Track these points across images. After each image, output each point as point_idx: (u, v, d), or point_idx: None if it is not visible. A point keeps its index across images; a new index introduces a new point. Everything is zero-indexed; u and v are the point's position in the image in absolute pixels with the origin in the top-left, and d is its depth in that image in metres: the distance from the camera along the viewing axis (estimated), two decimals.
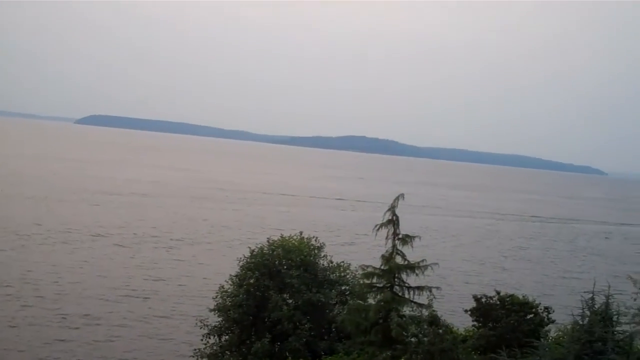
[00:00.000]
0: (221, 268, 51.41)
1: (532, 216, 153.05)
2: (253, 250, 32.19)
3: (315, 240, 33.32)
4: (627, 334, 17.70)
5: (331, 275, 32.19)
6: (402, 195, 25.83)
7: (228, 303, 30.67)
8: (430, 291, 25.89)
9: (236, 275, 31.90)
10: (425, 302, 25.90)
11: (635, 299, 44.44)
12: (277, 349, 29.71)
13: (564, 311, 21.84)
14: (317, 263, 32.39)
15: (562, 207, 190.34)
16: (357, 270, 30.34)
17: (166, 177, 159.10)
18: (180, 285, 54.44)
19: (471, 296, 30.59)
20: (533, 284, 66.79)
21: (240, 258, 32.54)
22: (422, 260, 25.98)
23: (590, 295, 16.94)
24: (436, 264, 26.35)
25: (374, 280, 26.59)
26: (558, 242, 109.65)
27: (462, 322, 35.59)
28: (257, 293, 30.51)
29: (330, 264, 32.93)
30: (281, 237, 33.08)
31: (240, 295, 30.37)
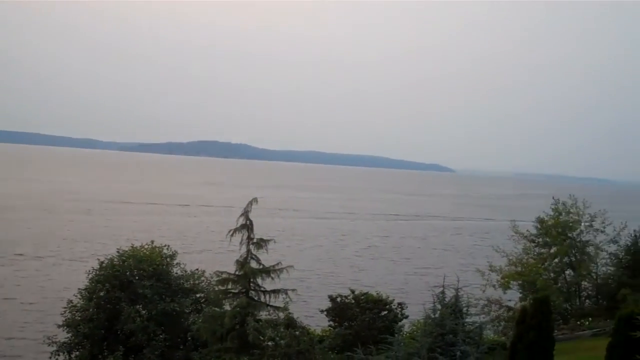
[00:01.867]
0: (70, 282, 49.31)
1: (386, 214, 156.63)
2: (102, 262, 31.09)
3: (168, 249, 32.61)
4: (477, 324, 18.22)
5: (185, 284, 31.60)
6: (255, 200, 25.71)
7: (77, 318, 29.49)
8: (287, 294, 25.89)
9: (85, 289, 30.67)
10: (282, 305, 25.88)
11: (483, 291, 46.37)
12: None
13: (418, 306, 22.27)
14: (170, 272, 31.71)
15: (414, 205, 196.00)
16: (211, 277, 29.97)
17: (9, 188, 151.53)
18: (24, 302, 51.68)
19: (327, 297, 30.87)
20: (388, 282, 68.20)
21: (90, 271, 31.37)
22: (278, 264, 25.99)
23: (441, 289, 17.30)
24: (291, 266, 26.39)
25: (229, 286, 26.35)
26: (411, 239, 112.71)
27: (319, 322, 35.85)
28: (108, 306, 29.51)
29: (184, 272, 32.34)
30: (132, 247, 32.16)
31: (91, 309, 29.27)
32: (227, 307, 26.84)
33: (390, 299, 32.33)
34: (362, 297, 30.39)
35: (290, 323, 25.46)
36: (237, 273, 25.74)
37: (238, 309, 25.23)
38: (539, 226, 48.58)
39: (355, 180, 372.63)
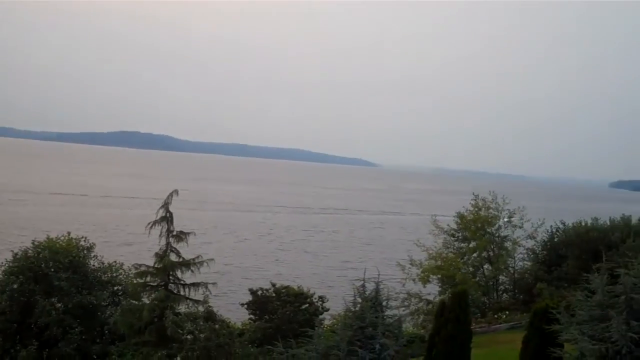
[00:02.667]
0: None
1: (310, 208, 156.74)
2: (16, 254, 30.14)
3: (85, 241, 31.84)
4: (396, 317, 18.26)
5: (103, 276, 30.91)
6: (176, 192, 25.36)
7: None
8: (207, 287, 25.67)
9: None
10: (201, 298, 25.62)
11: (404, 284, 46.75)
12: (45, 355, 28.13)
13: (339, 300, 22.29)
14: (88, 264, 30.97)
15: (337, 199, 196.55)
16: (130, 270, 29.43)
17: None
18: None
19: (248, 290, 30.69)
20: (312, 275, 68.39)
21: (2, 263, 30.36)
22: (198, 257, 25.74)
23: (362, 282, 17.26)
24: (212, 259, 26.16)
25: (148, 279, 25.96)
26: (334, 233, 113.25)
27: (240, 316, 35.63)
28: (22, 298, 28.63)
29: (102, 265, 31.64)
30: (47, 238, 31.26)
31: (3, 302, 28.34)
32: (146, 300, 26.44)
33: (311, 292, 32.36)
34: (283, 291, 30.33)
35: (210, 316, 25.21)
36: (156, 266, 25.38)
37: (156, 302, 24.86)
38: (459, 221, 49.39)
39: (279, 174, 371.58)
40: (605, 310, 14.20)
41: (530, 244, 51.15)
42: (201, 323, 24.84)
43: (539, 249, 51.18)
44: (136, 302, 26.58)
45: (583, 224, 50.44)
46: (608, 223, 50.29)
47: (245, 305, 31.36)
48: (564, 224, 51.77)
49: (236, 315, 36.35)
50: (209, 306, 25.71)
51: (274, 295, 30.11)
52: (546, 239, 51.14)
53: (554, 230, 51.58)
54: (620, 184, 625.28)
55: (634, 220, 50.12)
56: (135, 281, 26.98)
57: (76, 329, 28.07)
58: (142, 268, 25.79)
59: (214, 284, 26.12)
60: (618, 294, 14.22)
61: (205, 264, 25.54)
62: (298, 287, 31.89)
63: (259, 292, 30.90)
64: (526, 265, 50.73)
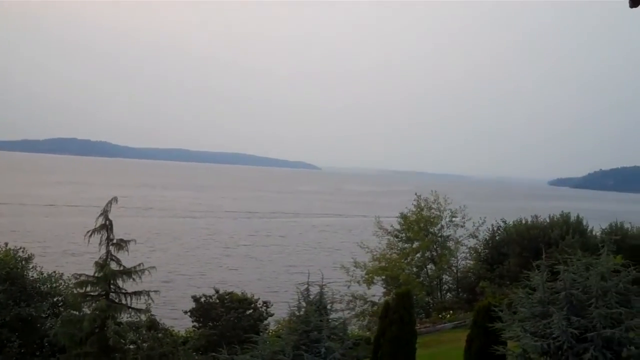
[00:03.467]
0: None
1: (253, 212, 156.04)
2: None
3: (23, 251, 31.02)
4: (341, 320, 18.20)
5: (42, 287, 30.13)
6: (115, 199, 24.95)
7: None
8: (149, 295, 25.29)
9: None
10: (144, 307, 25.24)
11: (348, 287, 46.89)
12: None
13: (284, 304, 22.17)
14: (26, 275, 30.17)
15: (281, 202, 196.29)
16: (70, 280, 28.79)
17: None
18: None
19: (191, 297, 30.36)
20: (257, 281, 68.06)
21: None
22: (139, 265, 25.35)
23: (306, 286, 17.16)
24: (153, 267, 25.79)
25: (88, 289, 25.47)
26: (279, 237, 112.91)
27: (184, 324, 35.22)
28: None
29: (41, 275, 30.86)
30: None
31: None
32: (87, 311, 25.93)
33: (256, 297, 32.18)
34: (227, 297, 30.06)
35: (153, 325, 24.86)
36: (96, 275, 24.92)
37: (97, 312, 24.40)
38: (402, 222, 49.77)
39: (220, 178, 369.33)
40: (546, 307, 14.35)
41: (472, 243, 51.79)
42: (144, 332, 24.48)
43: (481, 247, 51.84)
44: (77, 313, 26.02)
45: (523, 221, 51.24)
46: (548, 220, 51.16)
47: (189, 313, 31.01)
48: (505, 222, 52.51)
49: (180, 323, 35.93)
50: (152, 315, 25.35)
51: (217, 301, 29.82)
52: (488, 238, 51.82)
53: (495, 228, 52.30)
54: (559, 182, 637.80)
55: (572, 217, 51.10)
56: (75, 291, 26.41)
57: (14, 343, 27.33)
58: (82, 278, 25.29)
59: (156, 292, 25.76)
60: (558, 290, 14.38)
61: (147, 272, 25.16)
62: (242, 293, 31.65)
63: (202, 299, 30.55)
64: (469, 264, 51.36)
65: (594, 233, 51.26)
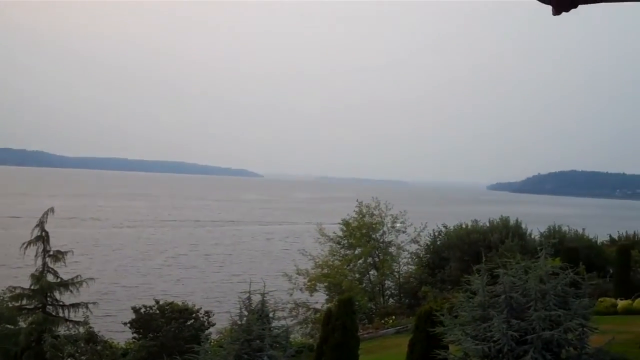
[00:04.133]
0: None
1: (195, 221, 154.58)
2: None
3: None
4: (284, 328, 18.10)
5: None
6: (52, 209, 24.46)
7: None
8: (87, 307, 24.87)
9: None
10: (82, 319, 24.77)
11: (291, 294, 46.70)
12: None
13: (227, 314, 21.95)
14: None
15: (223, 211, 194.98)
16: (4, 293, 28.07)
17: None
18: None
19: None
20: (199, 291, 67.39)
21: None
22: (77, 276, 24.91)
23: (248, 295, 17.02)
24: (92, 279, 25.40)
25: (24, 302, 24.93)
26: (222, 245, 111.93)
27: (124, 336, 34.58)
28: None
29: None
30: None
31: None
32: (22, 324, 25.35)
33: (197, 307, 31.83)
34: (167, 307, 29.63)
35: (91, 338, 24.39)
36: (32, 288, 24.42)
37: (34, 325, 23.90)
38: (345, 228, 49.87)
39: (161, 187, 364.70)
40: (487, 310, 14.46)
41: (414, 248, 52.16)
42: (82, 345, 23.98)
43: (423, 252, 52.24)
44: (12, 327, 25.40)
45: (464, 226, 51.83)
46: (488, 224, 51.84)
47: (128, 324, 30.47)
48: (445, 227, 53.04)
49: (120, 335, 35.22)
50: (90, 327, 24.91)
51: (157, 312, 29.37)
52: (429, 243, 52.25)
53: (437, 233, 52.77)
54: (499, 186, 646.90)
55: (512, 221, 51.88)
56: (10, 305, 25.77)
57: None
58: (18, 291, 24.78)
59: (94, 303, 25.38)
60: (498, 293, 14.50)
61: (85, 283, 24.76)
62: (183, 303, 31.27)
63: (142, 310, 30.05)
64: (411, 269, 51.70)
65: (533, 236, 52.15)
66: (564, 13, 5.61)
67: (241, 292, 17.92)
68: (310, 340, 35.63)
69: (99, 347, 23.67)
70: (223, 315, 31.37)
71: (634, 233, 59.26)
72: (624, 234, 59.09)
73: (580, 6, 5.60)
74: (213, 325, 31.59)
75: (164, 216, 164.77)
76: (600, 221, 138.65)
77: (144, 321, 29.18)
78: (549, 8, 5.56)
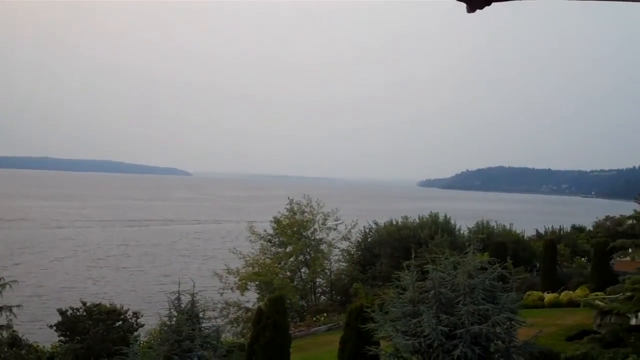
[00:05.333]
0: None
1: (124, 221, 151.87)
2: None
3: None
4: (214, 328, 17.90)
5: None
6: None
7: None
8: (11, 311, 24.10)
9: None
10: (5, 323, 24.04)
11: (221, 294, 46.37)
12: None
13: (157, 315, 21.59)
14: None
15: (153, 210, 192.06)
16: None
17: None
18: None
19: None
20: (129, 292, 66.29)
21: None
22: (0, 279, 24.10)
23: (177, 295, 16.79)
24: (15, 281, 24.63)
25: None
26: (152, 245, 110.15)
27: (50, 339, 33.78)
28: None
29: None
30: None
31: None
32: None
33: (125, 308, 31.30)
34: (95, 309, 29.05)
35: (15, 342, 23.70)
36: None
37: None
38: (276, 226, 49.75)
39: (88, 187, 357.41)
40: (417, 306, 14.53)
41: (345, 245, 52.39)
42: (5, 350, 23.29)
43: (354, 249, 52.52)
44: None
45: (394, 222, 52.31)
46: (418, 221, 52.43)
47: (54, 327, 29.75)
48: (376, 223, 53.46)
49: (45, 338, 34.38)
50: (14, 331, 24.18)
51: (85, 314, 28.78)
52: (360, 240, 52.56)
53: (367, 230, 53.13)
54: (429, 183, 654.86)
55: (441, 217, 52.59)
56: None
57: None
58: None
59: (18, 306, 24.60)
60: (428, 289, 14.59)
61: (8, 286, 23.97)
62: (110, 304, 30.69)
63: (69, 312, 29.40)
64: (342, 267, 51.91)
65: (462, 232, 53.00)
66: (478, 11, 5.59)
67: (170, 293, 17.69)
68: (242, 339, 35.40)
69: (23, 351, 23.04)
70: (153, 316, 30.95)
71: (560, 228, 60.86)
72: (550, 228, 60.59)
73: (494, 4, 5.59)
74: (142, 326, 31.12)
75: (92, 216, 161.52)
76: (527, 216, 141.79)
77: (71, 323, 28.55)
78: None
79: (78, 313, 28.68)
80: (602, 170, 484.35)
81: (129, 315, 30.22)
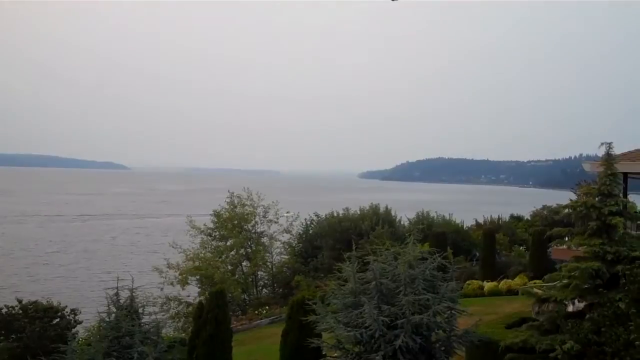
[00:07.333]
0: None
1: (62, 216, 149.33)
2: None
3: None
4: (154, 323, 17.69)
5: None
6: None
7: None
8: None
9: None
10: None
11: (162, 289, 45.92)
12: None
13: (96, 311, 21.23)
14: None
15: (90, 205, 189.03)
16: None
17: None
18: None
19: None
20: (66, 289, 65.03)
21: None
22: None
23: (115, 291, 16.57)
24: None
25: None
26: (89, 241, 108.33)
27: None
28: None
29: None
30: None
31: None
32: None
33: (63, 305, 30.76)
34: (31, 307, 28.49)
35: None
36: None
37: None
38: (216, 220, 49.46)
39: (22, 182, 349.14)
40: (358, 297, 14.56)
41: (286, 237, 52.39)
42: None
43: (295, 242, 52.56)
44: None
45: (335, 214, 52.50)
46: (359, 212, 52.71)
47: None
48: (317, 215, 53.57)
49: None
50: None
51: (20, 312, 28.20)
52: (301, 232, 52.63)
53: (309, 222, 53.22)
54: (369, 174, 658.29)
55: (382, 209, 52.95)
56: None
57: None
58: None
59: None
60: (368, 280, 14.63)
61: None
62: (47, 302, 30.11)
63: (4, 311, 28.76)
64: (284, 259, 51.91)
65: (402, 223, 53.44)
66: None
67: (108, 289, 17.46)
68: (183, 334, 35.13)
69: None
70: (93, 314, 30.48)
71: (499, 217, 61.84)
72: (489, 218, 61.50)
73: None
74: (80, 323, 30.61)
75: (27, 212, 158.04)
76: (466, 206, 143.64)
77: (6, 322, 27.94)
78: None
79: (13, 311, 28.10)
80: (539, 161, 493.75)
81: (67, 312, 29.71)
